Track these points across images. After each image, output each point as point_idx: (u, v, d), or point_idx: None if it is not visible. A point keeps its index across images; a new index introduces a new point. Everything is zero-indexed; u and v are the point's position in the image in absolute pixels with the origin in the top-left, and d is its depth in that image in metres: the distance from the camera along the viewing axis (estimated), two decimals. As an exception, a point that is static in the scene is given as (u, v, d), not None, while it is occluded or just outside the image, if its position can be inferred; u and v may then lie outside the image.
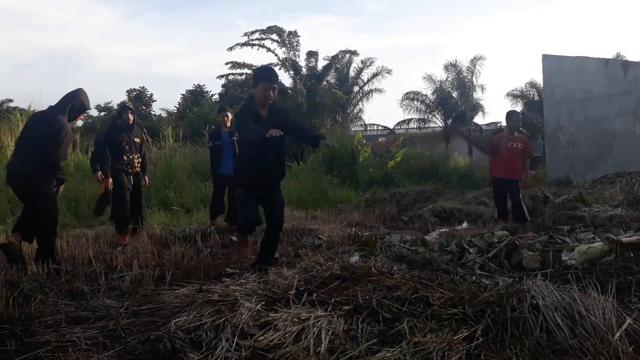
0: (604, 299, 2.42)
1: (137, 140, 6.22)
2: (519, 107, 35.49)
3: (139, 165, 6.21)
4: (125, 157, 6.05)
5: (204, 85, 37.62)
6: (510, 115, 7.05)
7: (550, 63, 23.08)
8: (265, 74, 4.33)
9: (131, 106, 6.60)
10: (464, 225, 7.38)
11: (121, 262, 4.54)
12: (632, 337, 2.21)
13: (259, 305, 2.55)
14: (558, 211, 7.60)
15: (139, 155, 6.22)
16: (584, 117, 21.14)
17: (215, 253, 5.20)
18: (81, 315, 2.92)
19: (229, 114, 7.08)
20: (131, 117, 6.22)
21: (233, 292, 2.75)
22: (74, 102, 4.78)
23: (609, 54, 38.63)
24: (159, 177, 10.82)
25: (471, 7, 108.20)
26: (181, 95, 37.06)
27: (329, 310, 2.40)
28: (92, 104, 34.47)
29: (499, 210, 7.18)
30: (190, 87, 37.47)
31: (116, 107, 36.84)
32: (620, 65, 20.71)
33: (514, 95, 34.10)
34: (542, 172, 20.94)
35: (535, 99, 32.51)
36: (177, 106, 33.65)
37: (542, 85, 26.58)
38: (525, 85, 33.70)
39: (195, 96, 34.79)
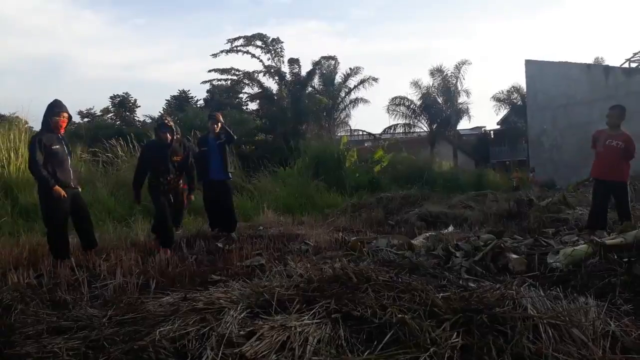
0: (592, 302, 2.43)
1: (176, 159, 5.88)
2: (503, 112, 36.05)
3: (176, 184, 5.94)
4: (161, 179, 5.80)
5: (189, 90, 37.16)
6: (610, 109, 6.27)
7: (534, 68, 23.45)
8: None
9: (170, 123, 5.93)
10: (450, 229, 7.40)
11: (104, 270, 4.46)
12: (617, 341, 2.22)
13: (245, 313, 2.51)
14: (543, 214, 7.68)
15: (177, 175, 5.92)
16: (567, 122, 21.49)
17: (200, 260, 5.14)
18: (63, 326, 2.85)
19: (217, 120, 7.06)
20: (169, 136, 5.79)
21: (218, 299, 2.71)
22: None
23: (590, 58, 39.32)
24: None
25: (456, 12, 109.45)
26: (165, 101, 36.73)
27: (316, 317, 2.37)
28: (75, 110, 34.10)
29: (590, 219, 6.19)
30: (175, 93, 37.20)
31: (99, 113, 36.63)
32: (601, 70, 21.13)
33: (498, 99, 34.53)
34: (525, 175, 21.17)
35: (519, 103, 32.94)
36: (162, 112, 33.34)
37: (525, 90, 26.99)
38: (509, 90, 34.13)
39: (179, 102, 34.56)
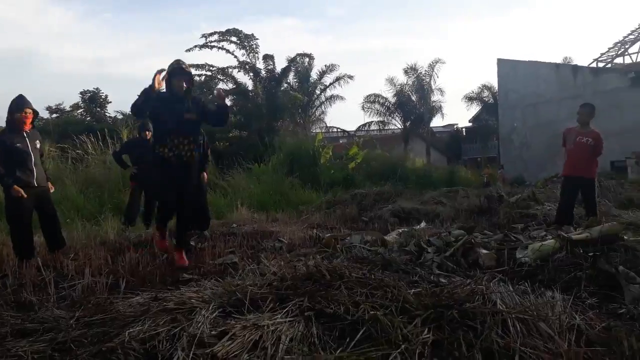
0: (558, 296, 2.49)
1: (191, 117, 4.67)
2: (475, 110, 36.68)
3: (190, 152, 4.66)
4: (168, 140, 4.59)
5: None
6: (579, 108, 6.52)
7: (505, 67, 23.92)
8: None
9: (188, 69, 4.79)
10: (422, 225, 7.48)
11: (72, 269, 4.35)
12: (582, 334, 2.28)
13: (217, 312, 2.49)
14: (512, 210, 7.83)
15: (190, 138, 4.67)
16: (536, 120, 22.01)
17: (172, 258, 5.05)
18: (28, 328, 2.77)
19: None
20: (185, 85, 4.70)
21: (189, 299, 2.68)
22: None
23: (558, 58, 40.31)
24: (113, 180, 10.52)
25: (431, 11, 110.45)
26: (138, 97, 36.00)
27: (289, 315, 2.36)
28: (43, 106, 33.21)
29: (558, 215, 6.37)
30: (147, 89, 36.44)
31: (68, 109, 35.69)
32: (570, 70, 21.68)
33: (470, 98, 35.07)
34: (495, 172, 21.58)
35: (490, 101, 33.51)
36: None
37: (496, 89, 27.49)
38: (479, 88, 34.75)
39: (152, 98, 33.88)
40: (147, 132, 7.57)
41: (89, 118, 32.97)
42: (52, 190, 5.29)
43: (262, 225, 7.40)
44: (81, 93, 36.78)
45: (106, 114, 35.62)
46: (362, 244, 4.89)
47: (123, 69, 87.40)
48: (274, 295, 2.61)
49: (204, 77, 28.05)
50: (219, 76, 27.22)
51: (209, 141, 7.08)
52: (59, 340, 2.50)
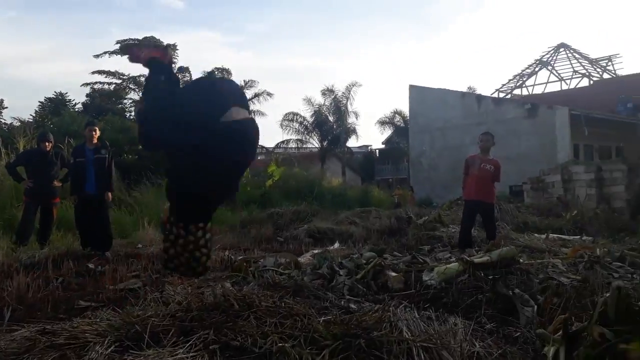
0: (460, 323, 2.58)
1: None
2: (387, 133, 38.23)
3: None
4: None
5: (67, 93, 34.00)
6: (481, 136, 6.99)
7: (416, 93, 25.16)
8: None
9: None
10: (336, 245, 7.57)
11: (-52, 297, 3.86)
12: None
13: (113, 347, 2.30)
14: (420, 231, 8.16)
15: None
16: (443, 144, 23.29)
17: (68, 283, 4.66)
18: None
19: (96, 128, 6.65)
20: None
21: (83, 333, 2.45)
22: None
23: (464, 86, 43.29)
24: (5, 194, 9.59)
25: (350, 34, 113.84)
26: (39, 103, 33.37)
27: (192, 350, 2.23)
28: None
29: (460, 239, 6.61)
30: (51, 95, 34.01)
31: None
32: (474, 98, 23.28)
33: (383, 122, 36.54)
34: (406, 193, 22.49)
35: (402, 125, 35.09)
36: (34, 115, 30.23)
37: (407, 114, 28.84)
38: (392, 113, 36.35)
39: (55, 105, 31.61)
40: (46, 144, 7.02)
41: (-20, 124, 30.03)
42: None
43: (171, 246, 7.06)
44: (-29, 96, 33.53)
45: (1, 120, 32.64)
46: (276, 267, 4.82)
47: (23, 73, 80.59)
48: (177, 327, 2.46)
49: (113, 85, 26.78)
50: (130, 85, 26.12)
51: (114, 154, 6.76)
52: None
